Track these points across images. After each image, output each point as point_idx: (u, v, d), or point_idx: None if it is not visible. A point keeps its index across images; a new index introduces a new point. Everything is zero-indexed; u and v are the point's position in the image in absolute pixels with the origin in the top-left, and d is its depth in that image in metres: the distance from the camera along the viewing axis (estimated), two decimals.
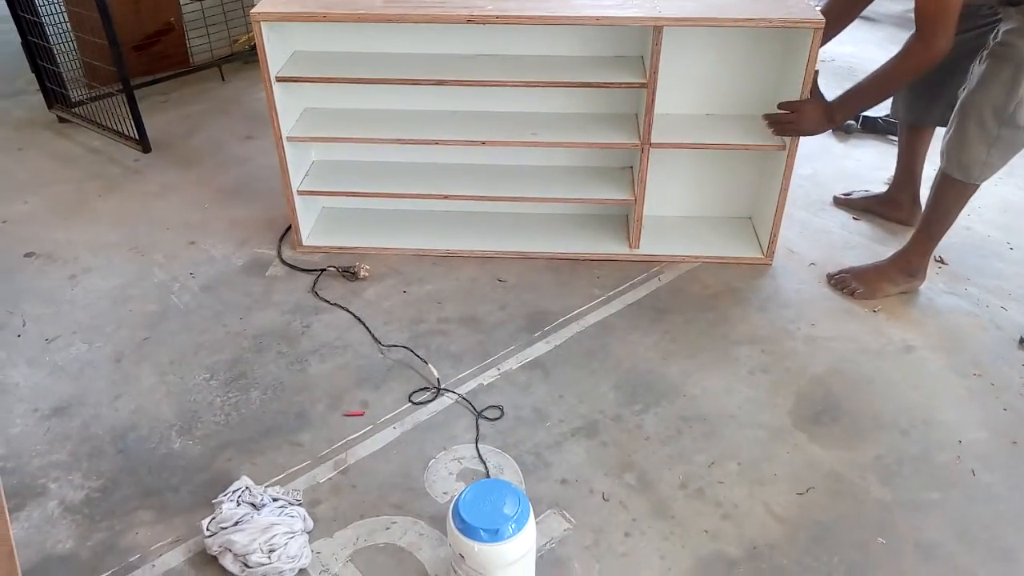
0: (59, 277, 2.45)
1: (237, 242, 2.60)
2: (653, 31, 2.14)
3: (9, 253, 2.57)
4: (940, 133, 2.50)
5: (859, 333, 2.21)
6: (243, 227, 2.68)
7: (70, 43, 3.36)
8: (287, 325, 2.23)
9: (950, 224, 2.27)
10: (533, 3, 2.23)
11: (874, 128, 3.25)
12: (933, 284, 2.40)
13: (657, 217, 2.58)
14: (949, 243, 2.58)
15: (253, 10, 2.17)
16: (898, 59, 2.02)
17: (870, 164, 3.07)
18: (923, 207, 2.37)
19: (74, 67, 3.42)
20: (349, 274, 2.41)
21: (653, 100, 2.23)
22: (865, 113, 3.26)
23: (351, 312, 2.26)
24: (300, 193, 2.48)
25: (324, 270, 2.43)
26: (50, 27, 3.25)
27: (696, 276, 2.43)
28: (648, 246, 2.51)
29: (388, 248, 2.53)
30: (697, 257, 2.49)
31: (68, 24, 3.34)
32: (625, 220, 2.63)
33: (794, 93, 2.23)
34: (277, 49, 2.29)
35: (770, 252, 2.47)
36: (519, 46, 2.43)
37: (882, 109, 3.31)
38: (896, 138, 3.05)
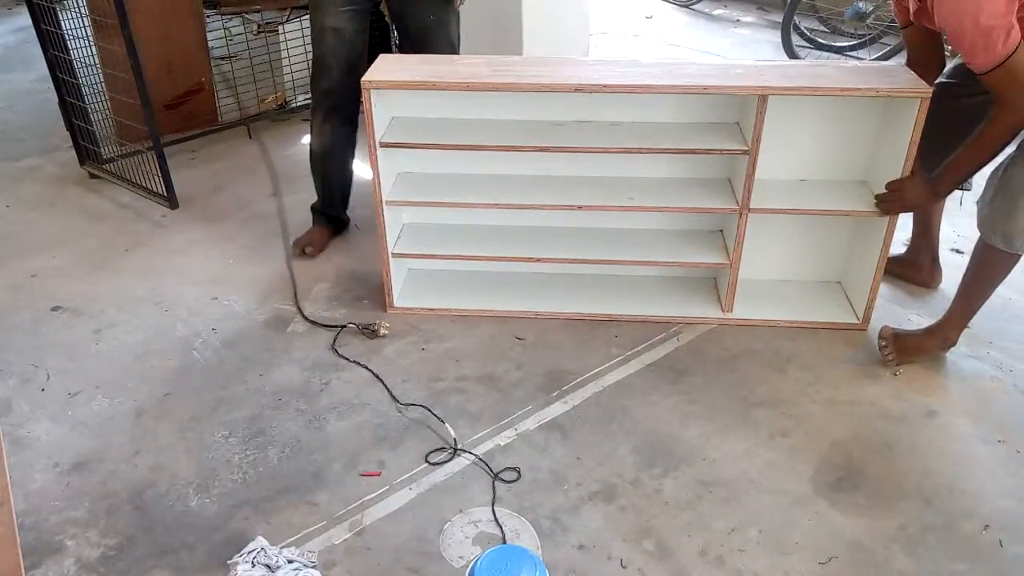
0: (84, 331, 2.49)
1: (260, 298, 2.64)
2: (758, 100, 2.15)
3: (36, 307, 2.61)
4: (956, 195, 2.52)
5: (880, 397, 2.18)
6: (266, 283, 2.72)
7: (104, 102, 3.48)
8: (306, 382, 2.25)
9: (989, 295, 2.22)
10: (635, 70, 2.27)
11: None
12: (956, 348, 2.38)
13: (746, 280, 2.52)
14: None
15: (364, 78, 2.22)
16: (988, 126, 2.00)
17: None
18: (958, 276, 2.29)
19: (107, 125, 3.53)
20: (369, 331, 2.43)
21: (755, 166, 2.24)
22: None
23: (370, 370, 2.27)
24: (394, 256, 2.49)
25: (344, 327, 2.45)
26: (86, 87, 3.36)
27: (714, 337, 2.43)
28: (741, 310, 2.50)
29: (477, 310, 2.53)
30: (792, 322, 2.47)
31: (103, 85, 3.45)
32: (712, 283, 2.64)
33: (891, 160, 2.24)
34: (379, 115, 2.32)
35: (866, 318, 2.43)
36: (614, 112, 2.45)
37: None
38: None
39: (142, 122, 3.10)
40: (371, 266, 2.83)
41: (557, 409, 2.14)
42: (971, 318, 2.27)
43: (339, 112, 2.73)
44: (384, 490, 1.88)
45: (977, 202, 2.17)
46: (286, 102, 4.15)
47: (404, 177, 2.55)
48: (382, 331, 2.42)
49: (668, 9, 6.04)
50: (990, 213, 2.09)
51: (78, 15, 3.24)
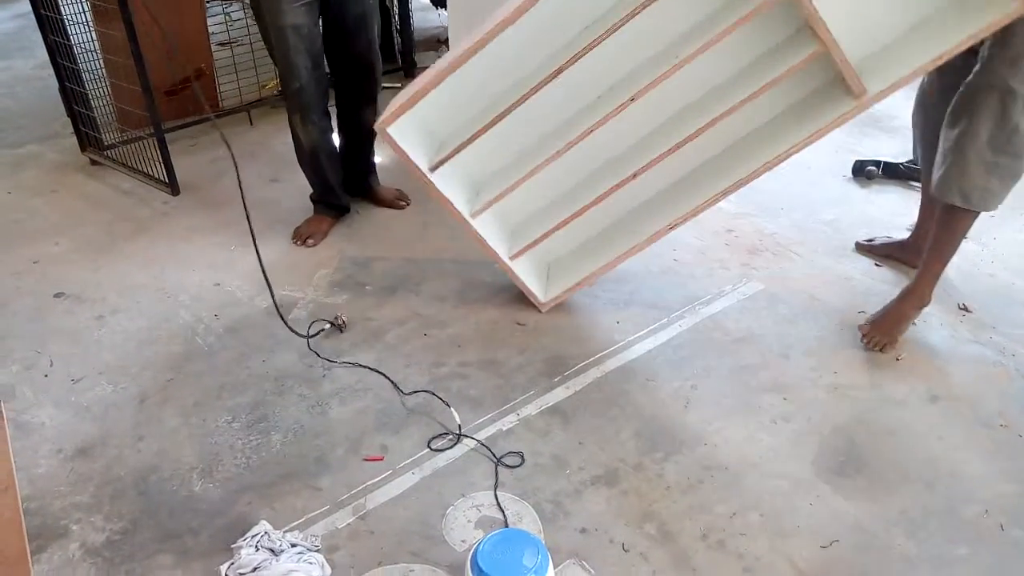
0: (87, 318, 2.49)
1: (262, 284, 2.63)
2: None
3: (39, 293, 2.62)
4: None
5: (883, 382, 2.18)
6: (268, 269, 2.71)
7: (105, 88, 3.47)
8: (309, 368, 2.25)
9: (954, 252, 2.30)
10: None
11: (895, 174, 3.25)
12: (958, 332, 2.38)
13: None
14: (973, 291, 2.57)
15: (378, 124, 2.16)
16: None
17: (891, 210, 3.06)
18: (959, 261, 2.40)
19: (107, 112, 3.52)
20: (337, 327, 2.41)
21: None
22: (886, 159, 3.26)
23: (363, 365, 2.25)
24: (512, 259, 2.42)
25: (319, 332, 2.38)
26: (86, 73, 3.35)
27: (715, 324, 2.43)
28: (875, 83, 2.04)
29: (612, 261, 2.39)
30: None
31: (104, 71, 3.44)
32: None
33: None
34: (410, 146, 2.24)
35: None
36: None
37: (903, 155, 3.32)
38: (918, 183, 3.05)
39: (143, 108, 3.09)
40: (372, 251, 2.83)
41: (559, 394, 2.14)
42: (940, 274, 2.33)
43: (314, 108, 2.72)
44: (388, 475, 1.89)
45: (934, 172, 2.23)
46: None
47: (468, 180, 2.43)
48: (339, 321, 2.41)
49: None
50: (944, 174, 2.17)
51: (77, 0, 3.22)
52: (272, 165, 3.49)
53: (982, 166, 2.11)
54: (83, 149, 3.50)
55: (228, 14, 4.25)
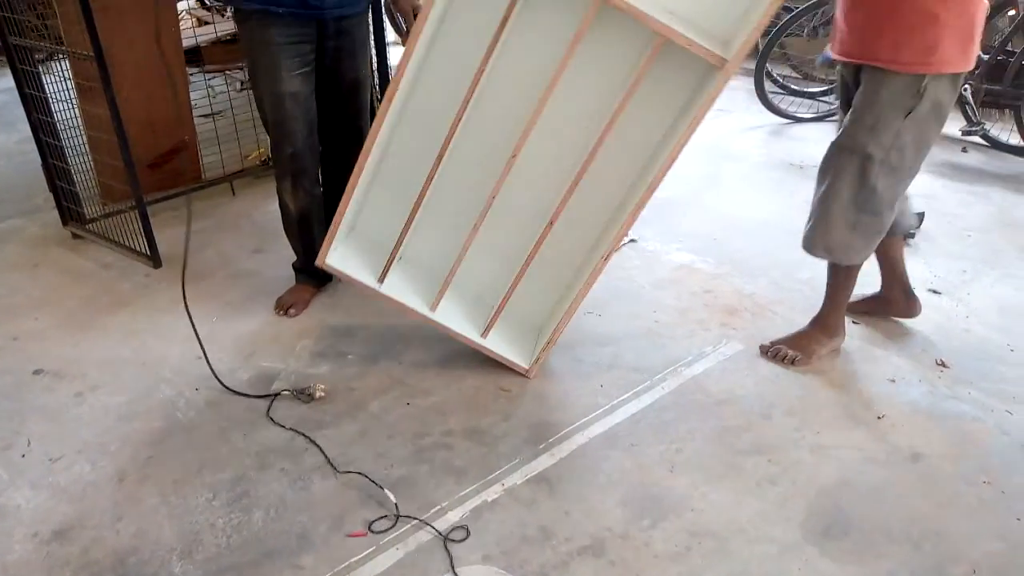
0: (66, 394, 2.47)
1: (244, 356, 2.63)
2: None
3: (18, 370, 2.59)
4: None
5: (865, 441, 2.19)
6: (250, 341, 2.72)
7: (87, 163, 3.49)
8: (290, 441, 2.23)
9: (851, 292, 2.50)
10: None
11: None
12: (936, 388, 2.40)
13: None
14: (950, 346, 2.60)
15: (317, 262, 2.37)
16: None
17: (864, 270, 3.10)
18: (936, 316, 2.64)
19: (90, 186, 3.54)
20: (305, 396, 2.39)
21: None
22: None
23: (312, 441, 2.22)
24: (484, 336, 2.49)
25: (278, 394, 2.40)
26: (69, 149, 3.38)
27: (697, 385, 2.44)
28: None
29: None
30: None
31: (87, 146, 3.47)
32: None
33: None
34: (360, 262, 2.45)
35: None
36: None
37: None
38: None
39: (125, 182, 3.12)
40: (355, 319, 2.83)
41: (544, 462, 2.13)
42: (843, 308, 2.53)
43: (307, 173, 2.73)
44: (371, 551, 1.86)
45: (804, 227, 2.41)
46: (269, 158, 4.18)
47: (422, 270, 2.58)
48: (318, 394, 2.40)
49: None
50: (811, 230, 2.35)
51: (61, 79, 3.27)
52: (255, 236, 3.51)
53: (845, 224, 2.27)
54: (65, 223, 3.51)
55: (211, 86, 4.33)
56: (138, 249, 3.26)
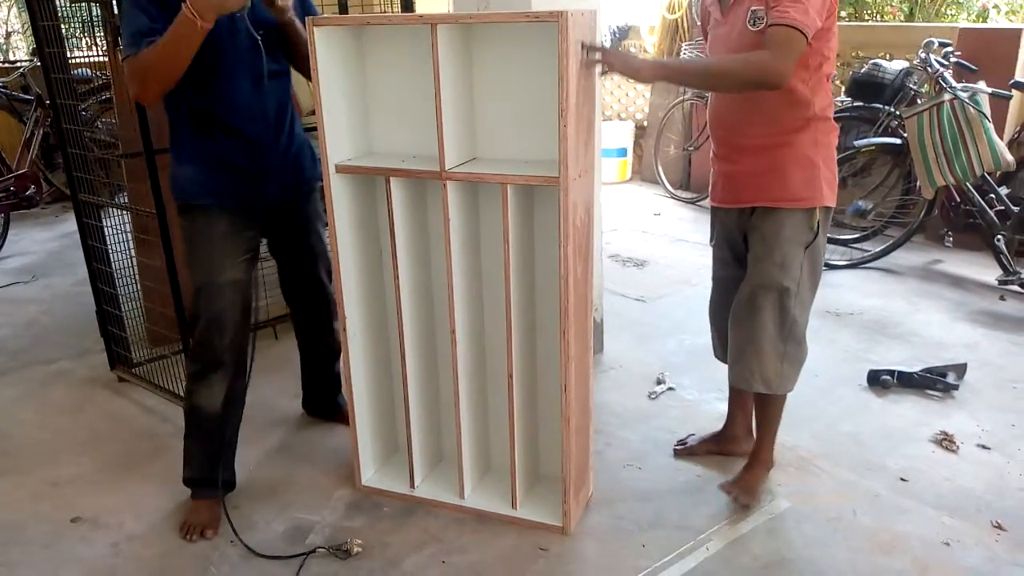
0: (103, 544, 2.45)
1: (279, 506, 2.61)
2: None
3: (55, 519, 2.60)
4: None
5: None
6: (286, 490, 2.70)
7: (139, 310, 3.63)
8: None
9: (780, 419, 2.59)
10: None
11: (910, 383, 3.27)
12: (995, 553, 2.30)
13: None
14: (1004, 506, 2.51)
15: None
16: (739, 59, 2.19)
17: (913, 419, 3.05)
18: (987, 473, 2.58)
19: (139, 330, 3.66)
20: (341, 553, 2.35)
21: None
22: (900, 368, 3.30)
23: None
24: (515, 509, 2.53)
25: (313, 551, 2.36)
26: (123, 296, 3.52)
27: (743, 546, 2.36)
28: None
29: None
30: None
31: (140, 295, 3.62)
32: None
33: None
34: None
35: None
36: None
37: (917, 363, 3.36)
38: (934, 392, 3.11)
39: (172, 328, 3.22)
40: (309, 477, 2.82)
41: None
42: (773, 440, 2.62)
43: (240, 363, 2.53)
44: None
45: (728, 364, 2.52)
46: None
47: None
48: (355, 549, 2.35)
49: (674, 206, 6.34)
50: (744, 367, 2.44)
51: (121, 231, 3.45)
52: (296, 380, 3.54)
53: (776, 355, 2.40)
54: (112, 367, 3.60)
55: None
56: (181, 394, 3.31)
